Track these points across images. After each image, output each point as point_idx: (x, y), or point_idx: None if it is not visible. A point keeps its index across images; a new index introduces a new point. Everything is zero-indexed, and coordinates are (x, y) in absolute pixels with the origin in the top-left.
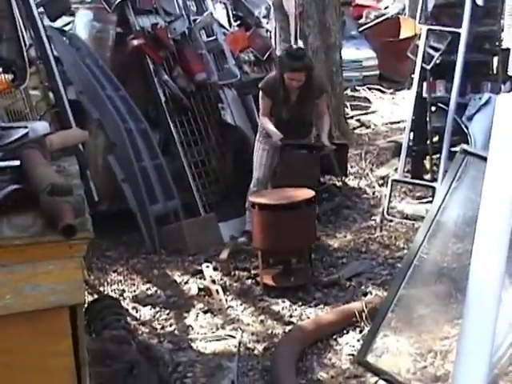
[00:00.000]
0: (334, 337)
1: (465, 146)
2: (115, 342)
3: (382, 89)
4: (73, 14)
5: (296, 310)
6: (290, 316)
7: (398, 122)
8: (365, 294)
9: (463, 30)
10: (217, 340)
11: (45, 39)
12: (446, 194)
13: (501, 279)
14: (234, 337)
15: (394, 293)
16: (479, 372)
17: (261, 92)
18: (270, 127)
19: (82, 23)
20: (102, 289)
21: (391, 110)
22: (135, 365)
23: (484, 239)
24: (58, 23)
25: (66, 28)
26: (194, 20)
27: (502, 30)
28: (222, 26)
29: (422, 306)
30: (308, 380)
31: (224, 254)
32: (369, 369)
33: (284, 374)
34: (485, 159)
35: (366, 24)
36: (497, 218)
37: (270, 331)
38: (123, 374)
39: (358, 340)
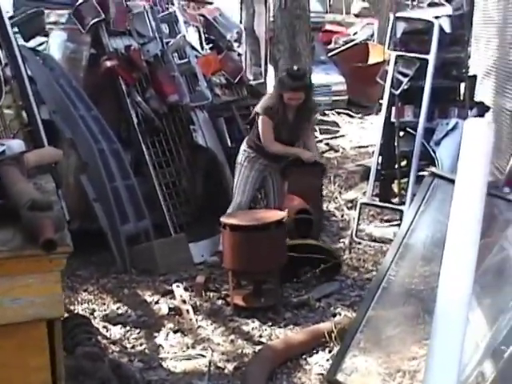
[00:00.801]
0: (304, 356)
1: (433, 169)
2: (88, 359)
3: (350, 113)
4: (47, 35)
5: (266, 330)
6: (260, 336)
7: (367, 147)
8: (334, 315)
9: (431, 57)
10: (187, 359)
11: (19, 59)
12: (414, 217)
13: (468, 300)
14: (204, 356)
15: (362, 314)
16: None
17: (261, 117)
18: (291, 149)
19: (55, 44)
20: (72, 308)
21: (360, 135)
22: (107, 383)
23: (451, 261)
24: (32, 43)
25: (40, 48)
26: (167, 42)
27: (469, 57)
28: (194, 48)
29: (391, 327)
30: None
31: (201, 279)
32: None
33: None
34: (452, 182)
35: (335, 49)
36: (464, 240)
37: (240, 351)
38: None
39: (328, 360)
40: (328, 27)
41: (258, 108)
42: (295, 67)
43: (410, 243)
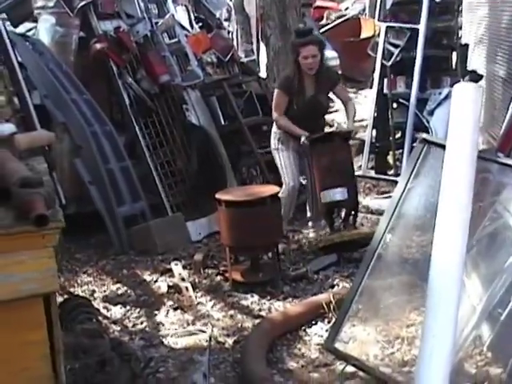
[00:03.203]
0: (303, 328)
1: (424, 135)
2: (88, 336)
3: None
4: (35, 20)
5: (265, 303)
6: (259, 310)
7: (361, 121)
8: (332, 287)
9: (421, 26)
10: (188, 335)
11: (8, 45)
12: (406, 184)
13: (462, 264)
14: (204, 331)
15: (358, 283)
16: (443, 355)
17: (276, 90)
18: (292, 127)
19: (44, 28)
20: (72, 290)
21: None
22: (108, 360)
23: (445, 226)
24: (21, 29)
25: (29, 33)
26: (156, 23)
27: (460, 27)
28: (183, 28)
29: (387, 296)
30: (279, 370)
31: (199, 256)
32: (337, 355)
33: (255, 365)
34: (443, 147)
35: (327, 25)
36: (457, 204)
37: (239, 325)
38: (96, 369)
39: (327, 330)
40: (319, 3)
41: (276, 84)
42: (301, 25)
43: (403, 210)
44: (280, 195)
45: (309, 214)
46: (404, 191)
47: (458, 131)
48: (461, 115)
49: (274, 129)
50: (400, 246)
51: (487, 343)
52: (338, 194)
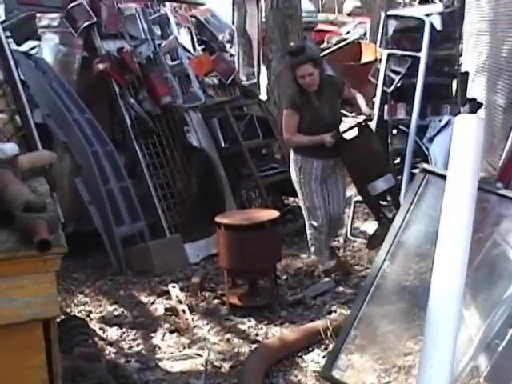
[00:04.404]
0: (300, 354)
1: (425, 165)
2: (85, 359)
3: (344, 112)
4: (39, 38)
5: (262, 328)
6: (256, 335)
7: None
8: (329, 313)
9: (423, 54)
10: (184, 359)
11: (11, 63)
12: (406, 213)
13: (461, 295)
14: (200, 355)
15: (357, 310)
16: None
17: (285, 111)
18: (310, 138)
19: (48, 47)
20: (68, 310)
21: (353, 134)
22: (104, 383)
23: (444, 256)
24: (25, 47)
25: (33, 52)
26: (159, 44)
27: (461, 54)
28: (186, 50)
29: (385, 323)
30: None
31: (196, 279)
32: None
33: None
34: (444, 177)
35: (327, 49)
36: (456, 235)
37: (236, 350)
38: None
39: (323, 357)
40: (320, 27)
41: (285, 105)
42: (292, 44)
43: (403, 239)
44: (308, 232)
45: (320, 268)
46: (404, 220)
47: (459, 163)
48: (463, 147)
49: (293, 156)
50: (399, 275)
51: (484, 374)
52: (387, 181)
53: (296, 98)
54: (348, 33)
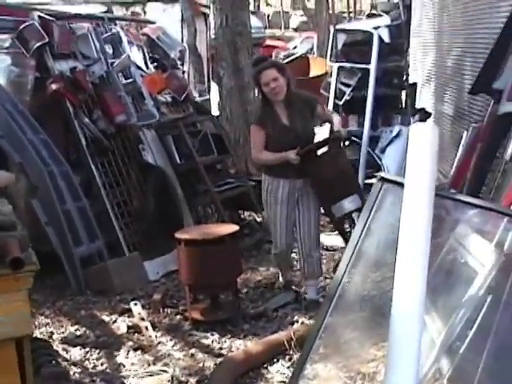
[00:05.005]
0: (265, 366)
1: (382, 174)
2: (53, 379)
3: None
4: None
5: (225, 342)
6: (220, 348)
7: None
8: (291, 324)
9: (372, 66)
10: (149, 375)
11: None
12: (366, 222)
13: (423, 300)
14: (166, 371)
15: (320, 320)
16: None
17: (251, 127)
18: (276, 155)
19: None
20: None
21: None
22: None
23: (405, 263)
24: None
25: None
26: (112, 63)
27: (409, 66)
28: (139, 68)
29: (349, 332)
30: None
31: (158, 296)
32: None
33: None
34: (401, 185)
35: None
36: (416, 241)
37: (201, 364)
38: None
39: (288, 367)
40: (268, 42)
41: (250, 120)
42: (255, 55)
43: (364, 248)
44: (272, 252)
45: (281, 279)
46: (364, 229)
47: (416, 170)
48: (419, 155)
49: (262, 176)
50: (361, 283)
51: (447, 376)
52: (352, 202)
53: (260, 113)
54: (295, 47)
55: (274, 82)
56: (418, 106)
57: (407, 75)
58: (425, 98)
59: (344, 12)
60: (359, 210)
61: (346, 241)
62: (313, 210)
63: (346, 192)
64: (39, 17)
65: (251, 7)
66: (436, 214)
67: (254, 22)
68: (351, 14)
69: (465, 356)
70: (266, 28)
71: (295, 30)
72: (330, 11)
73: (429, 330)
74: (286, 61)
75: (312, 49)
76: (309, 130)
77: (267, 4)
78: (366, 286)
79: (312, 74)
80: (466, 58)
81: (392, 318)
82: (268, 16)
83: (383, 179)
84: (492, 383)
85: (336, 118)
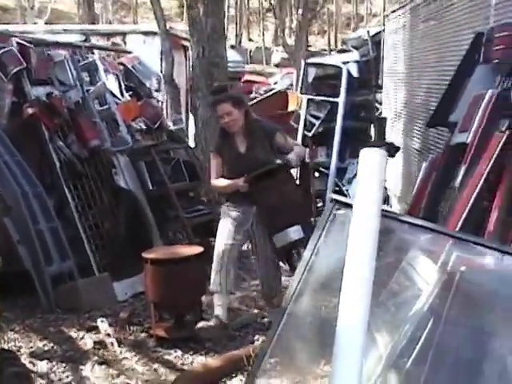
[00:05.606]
0: (223, 380)
1: (333, 196)
2: (17, 378)
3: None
4: None
5: (188, 358)
6: (182, 364)
7: None
8: (252, 342)
9: (341, 100)
10: None
11: None
12: (316, 242)
13: (366, 316)
14: None
15: (271, 336)
16: None
17: (211, 155)
18: (226, 182)
19: None
20: None
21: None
22: None
23: (350, 278)
24: None
25: None
26: (88, 90)
27: (378, 101)
28: (114, 95)
29: (302, 348)
30: None
31: (124, 314)
32: None
33: None
34: (351, 207)
35: (255, 98)
36: (362, 260)
37: (163, 378)
38: None
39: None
40: (249, 77)
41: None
42: (215, 84)
43: (313, 268)
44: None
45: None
46: (314, 249)
47: (363, 192)
48: (367, 177)
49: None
50: (311, 302)
51: None
52: (293, 233)
53: (218, 141)
54: (276, 83)
55: (227, 116)
56: (389, 140)
57: (375, 109)
58: (395, 133)
59: (325, 50)
60: (300, 242)
61: (293, 269)
62: (268, 239)
63: (288, 221)
64: (17, 43)
65: (233, 42)
66: (387, 236)
67: (233, 55)
68: (332, 52)
69: (410, 371)
70: (247, 63)
71: (276, 65)
72: (311, 48)
73: (378, 347)
74: (265, 95)
75: (292, 84)
76: (267, 160)
77: (249, 39)
78: (316, 305)
79: (290, 108)
80: (432, 94)
81: (337, 332)
82: (250, 51)
83: (335, 201)
84: None
85: (300, 148)
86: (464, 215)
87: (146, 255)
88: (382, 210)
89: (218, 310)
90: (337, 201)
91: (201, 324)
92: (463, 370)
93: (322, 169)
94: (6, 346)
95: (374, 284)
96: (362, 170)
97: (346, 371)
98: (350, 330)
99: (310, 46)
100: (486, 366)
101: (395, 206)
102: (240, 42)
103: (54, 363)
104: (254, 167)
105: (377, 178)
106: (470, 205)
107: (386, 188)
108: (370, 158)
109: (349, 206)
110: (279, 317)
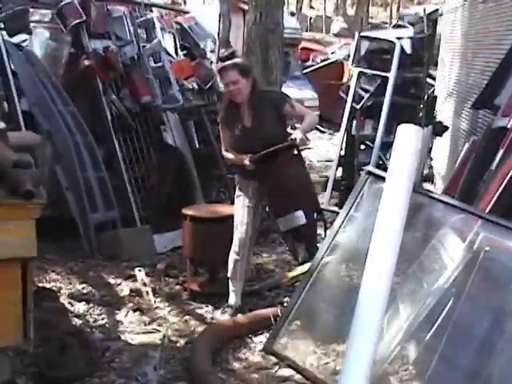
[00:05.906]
0: (250, 336)
1: (369, 168)
2: (53, 313)
3: (321, 129)
4: (30, 32)
5: (218, 313)
6: (212, 318)
7: (332, 160)
8: (281, 303)
9: (391, 75)
10: (144, 333)
11: (3, 53)
12: (348, 211)
13: (389, 284)
14: (159, 331)
15: (296, 297)
16: (365, 362)
17: (220, 125)
18: (233, 157)
19: (38, 41)
20: (40, 285)
21: (328, 149)
22: (68, 345)
23: (376, 252)
24: (16, 39)
25: (24, 44)
26: (144, 46)
27: (433, 78)
28: (169, 54)
29: (326, 312)
30: (222, 369)
31: (161, 265)
32: (275, 356)
33: (200, 362)
34: (384, 179)
35: (311, 66)
36: (390, 228)
37: (192, 329)
38: (57, 352)
39: None
40: (306, 45)
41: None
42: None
43: (345, 234)
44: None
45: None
46: (345, 218)
47: (397, 165)
48: (402, 151)
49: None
50: (338, 267)
51: (412, 360)
52: (297, 218)
53: (224, 113)
54: (333, 53)
55: (233, 84)
56: (439, 119)
57: (425, 87)
58: (445, 112)
59: (386, 23)
60: (303, 228)
61: (296, 258)
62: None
63: (291, 207)
64: None
65: (293, 8)
66: (421, 212)
67: (291, 22)
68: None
69: (430, 343)
70: (306, 30)
71: (336, 35)
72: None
73: (400, 316)
74: (321, 64)
75: (348, 55)
76: (274, 132)
77: (311, 7)
78: (343, 271)
79: (344, 79)
80: (486, 76)
81: (357, 303)
82: (310, 19)
83: (370, 173)
84: (451, 367)
85: (311, 118)
86: (495, 198)
87: (185, 211)
88: (417, 188)
89: (232, 299)
90: (371, 173)
91: None
92: (479, 346)
93: (367, 142)
94: (47, 286)
95: (405, 257)
96: (396, 145)
97: (365, 338)
98: (371, 298)
99: (372, 17)
100: (501, 345)
101: (439, 185)
102: (301, 8)
103: (91, 305)
104: (260, 144)
105: (411, 154)
106: (501, 188)
107: (431, 167)
108: (405, 133)
109: (383, 179)
110: (304, 281)
